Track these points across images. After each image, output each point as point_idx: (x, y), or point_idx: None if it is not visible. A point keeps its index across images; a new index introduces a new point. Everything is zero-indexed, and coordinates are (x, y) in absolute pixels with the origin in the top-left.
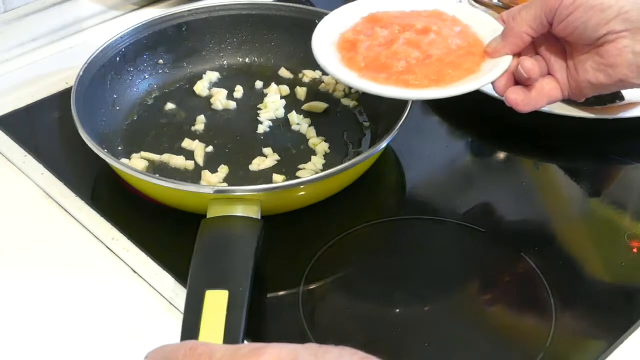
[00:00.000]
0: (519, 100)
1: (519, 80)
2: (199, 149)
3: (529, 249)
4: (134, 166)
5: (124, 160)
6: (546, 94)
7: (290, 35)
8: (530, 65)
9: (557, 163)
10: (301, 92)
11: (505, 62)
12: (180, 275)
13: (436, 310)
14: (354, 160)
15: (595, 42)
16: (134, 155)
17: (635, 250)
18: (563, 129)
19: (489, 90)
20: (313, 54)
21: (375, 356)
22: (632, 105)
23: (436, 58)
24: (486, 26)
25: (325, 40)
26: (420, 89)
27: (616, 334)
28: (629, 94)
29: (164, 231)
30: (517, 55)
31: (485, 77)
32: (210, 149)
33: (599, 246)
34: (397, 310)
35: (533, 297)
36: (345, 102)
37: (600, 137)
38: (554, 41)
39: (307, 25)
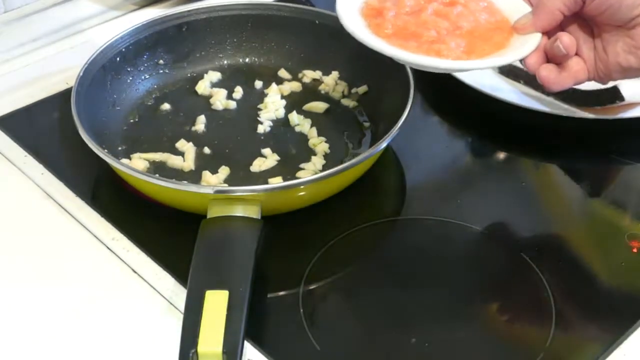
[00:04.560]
0: (551, 77)
1: (551, 58)
2: (190, 151)
3: (529, 249)
4: (134, 166)
5: (124, 161)
6: (573, 74)
7: (291, 35)
8: (568, 40)
9: (557, 163)
10: (299, 91)
11: (535, 39)
12: (180, 275)
13: (436, 311)
14: (353, 161)
15: (627, 23)
16: (134, 155)
17: (635, 250)
18: (563, 129)
19: (488, 89)
20: (340, 20)
21: (375, 356)
22: (632, 105)
23: (466, 30)
24: (510, 3)
25: (350, 7)
26: (454, 59)
27: (616, 334)
28: (628, 94)
29: (164, 231)
30: (545, 33)
31: (517, 52)
32: (209, 149)
33: (599, 246)
34: (397, 311)
35: (533, 297)
36: (345, 102)
37: (600, 137)
38: (581, 21)
39: (307, 26)
